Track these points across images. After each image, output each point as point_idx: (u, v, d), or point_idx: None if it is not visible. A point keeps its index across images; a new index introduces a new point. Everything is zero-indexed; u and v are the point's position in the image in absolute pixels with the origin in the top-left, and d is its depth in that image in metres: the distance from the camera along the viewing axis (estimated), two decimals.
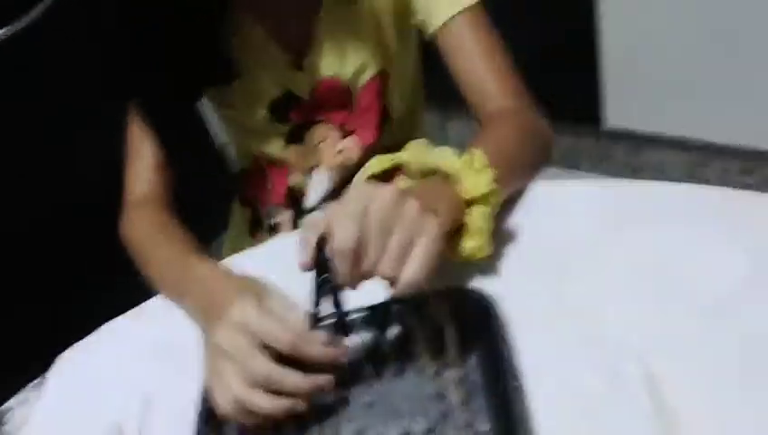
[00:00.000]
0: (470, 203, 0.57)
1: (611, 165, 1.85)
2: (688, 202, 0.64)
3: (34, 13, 1.19)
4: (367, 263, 0.50)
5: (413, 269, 0.50)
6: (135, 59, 0.75)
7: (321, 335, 0.53)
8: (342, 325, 0.54)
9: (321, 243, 0.51)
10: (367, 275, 0.51)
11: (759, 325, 0.52)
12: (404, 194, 0.51)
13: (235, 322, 0.54)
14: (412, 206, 0.51)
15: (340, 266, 0.50)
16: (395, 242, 0.50)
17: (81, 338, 0.70)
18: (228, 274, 0.62)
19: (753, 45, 1.44)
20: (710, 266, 0.57)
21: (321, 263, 0.51)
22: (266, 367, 0.52)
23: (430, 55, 0.87)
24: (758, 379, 0.49)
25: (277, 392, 0.52)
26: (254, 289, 0.57)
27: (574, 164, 1.88)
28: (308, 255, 0.52)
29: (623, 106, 1.69)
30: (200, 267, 0.65)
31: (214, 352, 0.55)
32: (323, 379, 0.52)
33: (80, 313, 0.80)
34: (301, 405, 0.52)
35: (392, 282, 0.50)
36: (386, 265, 0.50)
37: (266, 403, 0.51)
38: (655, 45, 1.55)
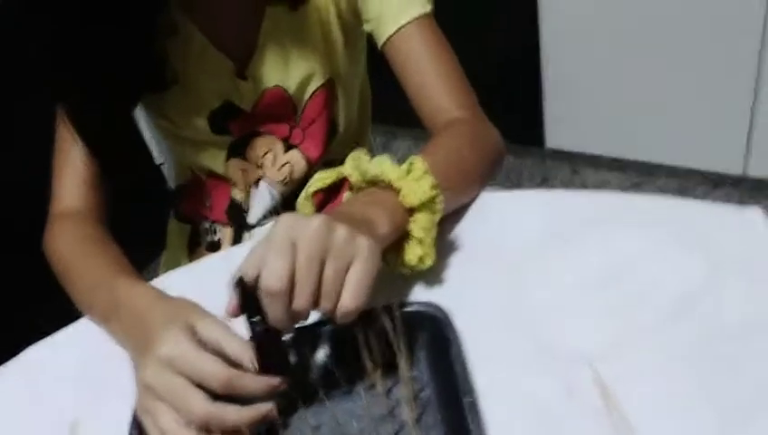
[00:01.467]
0: (412, 211, 0.56)
1: (554, 185, 1.88)
2: (638, 210, 0.64)
3: None
4: (300, 302, 0.47)
5: (348, 297, 0.47)
6: (61, 59, 0.69)
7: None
8: (283, 362, 0.51)
9: (243, 284, 0.48)
10: (302, 315, 0.48)
11: (707, 329, 0.51)
12: (331, 221, 0.48)
13: (165, 358, 0.49)
14: (340, 232, 0.48)
15: (272, 309, 0.47)
16: (327, 275, 0.47)
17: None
18: (159, 297, 0.57)
19: (687, 70, 1.49)
20: (661, 272, 0.57)
21: (251, 303, 0.48)
22: (204, 408, 0.47)
23: (374, 74, 0.85)
24: (711, 383, 0.48)
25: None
26: (185, 315, 0.52)
27: (517, 184, 1.90)
28: (232, 301, 0.48)
29: (564, 129, 1.73)
30: (128, 289, 0.60)
31: (145, 390, 0.50)
32: (265, 408, 0.49)
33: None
34: None
35: (333, 314, 0.48)
36: (324, 302, 0.47)
37: None
38: (594, 70, 1.59)
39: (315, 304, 0.48)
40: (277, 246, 0.47)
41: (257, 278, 0.48)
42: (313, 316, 0.56)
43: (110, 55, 0.69)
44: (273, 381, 0.49)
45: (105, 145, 0.74)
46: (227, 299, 0.49)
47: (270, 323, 0.48)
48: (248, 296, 0.48)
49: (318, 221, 0.47)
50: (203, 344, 0.50)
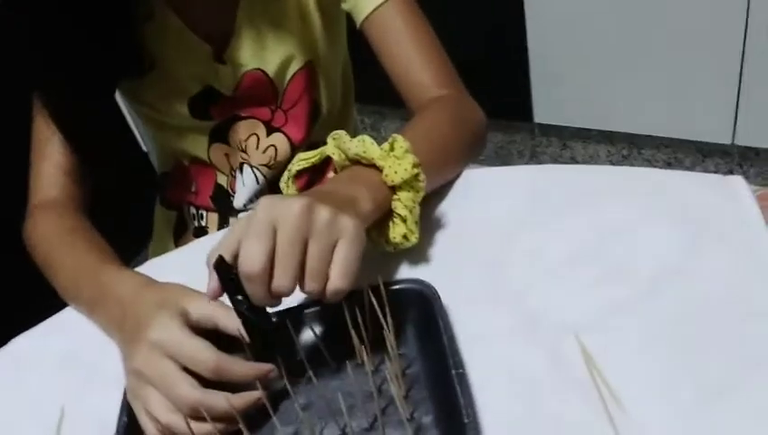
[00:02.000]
0: (395, 189, 0.56)
1: (543, 160, 1.88)
2: (621, 183, 0.64)
3: None
4: (280, 282, 0.46)
5: (336, 277, 0.47)
6: (33, 44, 0.68)
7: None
8: (270, 339, 0.51)
9: (223, 264, 0.47)
10: (283, 295, 0.47)
11: (692, 299, 0.52)
12: (312, 203, 0.48)
13: (155, 343, 0.49)
14: (322, 212, 0.47)
15: (252, 290, 0.47)
16: (312, 256, 0.47)
17: None
18: (146, 283, 0.57)
19: (674, 40, 1.48)
20: (644, 244, 0.57)
21: (234, 283, 0.48)
22: (194, 394, 0.48)
23: (362, 54, 0.85)
24: (693, 351, 0.48)
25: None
26: (175, 299, 0.52)
27: (507, 160, 1.90)
28: (213, 283, 0.48)
29: (552, 103, 1.72)
30: (114, 276, 0.59)
31: (134, 376, 0.50)
32: (255, 396, 0.49)
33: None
34: (234, 425, 0.48)
35: (319, 295, 0.48)
36: (309, 283, 0.47)
37: (198, 429, 0.47)
38: (580, 43, 1.58)
39: (300, 285, 0.48)
40: (256, 228, 0.46)
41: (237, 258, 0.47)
42: (300, 297, 0.57)
43: (85, 41, 0.68)
44: (263, 367, 0.50)
45: (83, 134, 0.73)
46: (207, 281, 0.49)
47: (254, 302, 0.48)
48: (230, 276, 0.48)
49: (299, 203, 0.47)
50: (195, 328, 0.50)
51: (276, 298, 0.48)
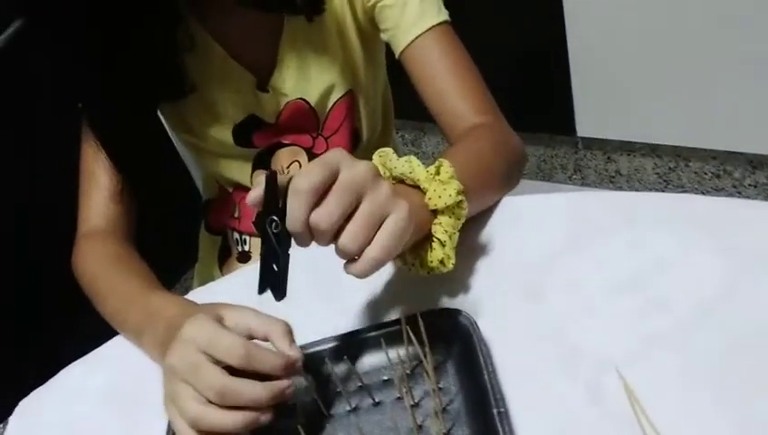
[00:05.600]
0: (436, 214, 0.55)
1: (587, 174, 1.85)
2: (662, 209, 0.62)
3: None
4: (318, 217, 0.46)
5: (377, 245, 0.47)
6: (77, 71, 0.70)
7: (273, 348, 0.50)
8: (278, 284, 0.49)
9: (274, 182, 0.47)
10: (318, 230, 0.46)
11: (737, 331, 0.50)
12: (379, 174, 0.48)
13: (188, 339, 0.50)
14: (384, 185, 0.48)
15: (293, 206, 0.46)
16: (362, 212, 0.46)
17: (44, 380, 0.67)
18: (192, 305, 0.59)
19: (721, 50, 1.45)
20: (686, 274, 0.55)
21: (273, 204, 0.47)
22: (219, 380, 0.48)
23: (401, 70, 0.86)
24: (737, 385, 0.47)
25: (237, 407, 0.48)
26: (213, 308, 0.53)
27: (550, 175, 1.88)
28: (257, 190, 0.48)
29: (595, 116, 1.69)
30: (162, 301, 0.61)
31: (167, 376, 0.51)
32: (283, 385, 0.49)
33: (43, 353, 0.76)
34: (264, 417, 0.48)
35: (351, 257, 0.47)
36: (345, 241, 0.46)
37: (225, 419, 0.47)
38: (623, 55, 1.56)
39: (335, 237, 0.47)
40: (322, 159, 0.47)
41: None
42: (339, 328, 0.57)
43: (126, 66, 0.69)
44: (290, 357, 0.49)
45: (127, 153, 0.75)
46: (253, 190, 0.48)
47: (287, 223, 0.47)
48: (274, 196, 0.48)
49: (370, 165, 0.48)
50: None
51: (310, 236, 0.47)
